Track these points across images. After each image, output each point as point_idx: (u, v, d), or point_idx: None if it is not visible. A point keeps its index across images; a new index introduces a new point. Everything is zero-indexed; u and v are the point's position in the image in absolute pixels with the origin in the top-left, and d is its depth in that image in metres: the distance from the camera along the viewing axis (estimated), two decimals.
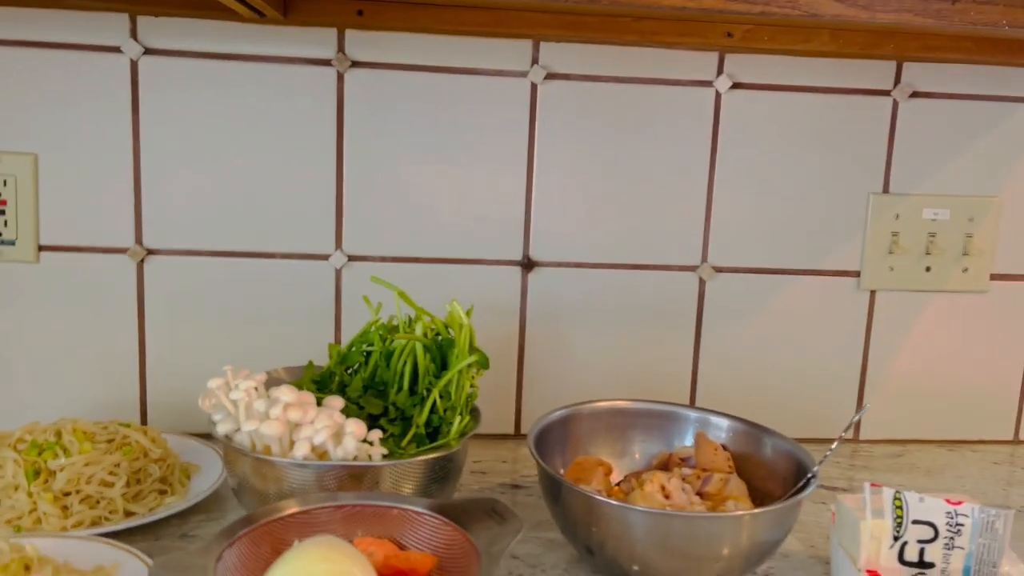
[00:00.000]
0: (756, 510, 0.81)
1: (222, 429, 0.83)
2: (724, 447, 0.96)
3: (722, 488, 0.86)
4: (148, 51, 1.06)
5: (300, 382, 0.94)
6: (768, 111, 1.16)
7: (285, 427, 0.80)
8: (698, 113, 1.16)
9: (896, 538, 0.77)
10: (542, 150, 1.14)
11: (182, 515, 0.93)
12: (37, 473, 0.90)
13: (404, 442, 0.87)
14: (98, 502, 0.90)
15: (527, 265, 1.16)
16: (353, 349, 0.97)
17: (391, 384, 0.92)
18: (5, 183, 1.07)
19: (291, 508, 0.73)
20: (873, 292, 1.22)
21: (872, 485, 0.79)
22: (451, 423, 0.88)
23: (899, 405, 1.25)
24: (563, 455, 0.95)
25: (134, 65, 1.07)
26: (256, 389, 0.83)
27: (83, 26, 1.05)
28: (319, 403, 0.87)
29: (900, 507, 0.78)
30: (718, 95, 1.15)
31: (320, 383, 0.95)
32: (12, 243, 1.08)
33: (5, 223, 1.08)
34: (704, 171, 1.17)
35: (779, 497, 0.88)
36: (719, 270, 1.19)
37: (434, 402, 0.89)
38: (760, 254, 1.20)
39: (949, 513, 0.77)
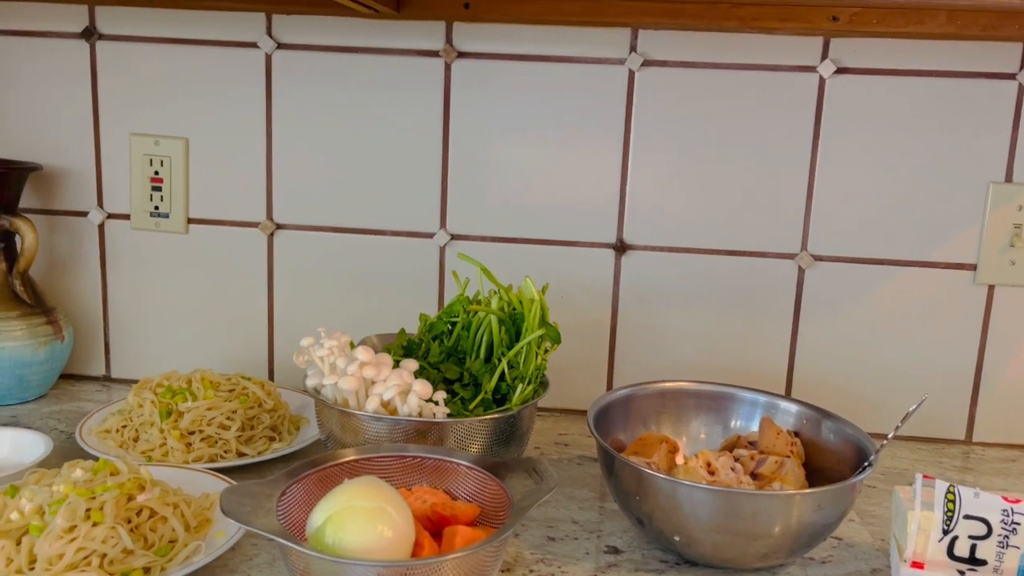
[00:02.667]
0: (792, 491, 0.81)
1: (310, 383, 0.93)
2: (796, 433, 0.96)
3: (776, 470, 0.86)
4: (280, 46, 1.19)
5: (390, 347, 1.03)
6: (876, 96, 1.13)
7: (360, 383, 0.89)
8: (800, 99, 1.14)
9: (946, 532, 0.75)
10: (638, 136, 1.17)
11: (286, 459, 1.04)
12: (169, 413, 1.04)
13: (472, 405, 0.93)
14: (216, 442, 1.03)
15: (620, 248, 1.19)
16: (441, 319, 1.04)
17: (469, 353, 0.99)
18: (163, 163, 1.23)
19: (351, 456, 0.81)
20: (991, 287, 1.16)
21: (925, 477, 0.78)
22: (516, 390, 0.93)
23: (1018, 409, 1.18)
24: (625, 432, 0.98)
25: (268, 59, 1.19)
26: (341, 348, 0.92)
27: (225, 24, 1.19)
28: (397, 365, 0.95)
29: (952, 500, 0.75)
30: (822, 80, 1.13)
31: (407, 349, 1.03)
32: (167, 216, 1.24)
33: (162, 198, 1.24)
34: (805, 158, 1.15)
35: None
36: (818, 259, 1.17)
37: (503, 371, 0.95)
38: (864, 244, 1.16)
39: (1005, 511, 0.74)
